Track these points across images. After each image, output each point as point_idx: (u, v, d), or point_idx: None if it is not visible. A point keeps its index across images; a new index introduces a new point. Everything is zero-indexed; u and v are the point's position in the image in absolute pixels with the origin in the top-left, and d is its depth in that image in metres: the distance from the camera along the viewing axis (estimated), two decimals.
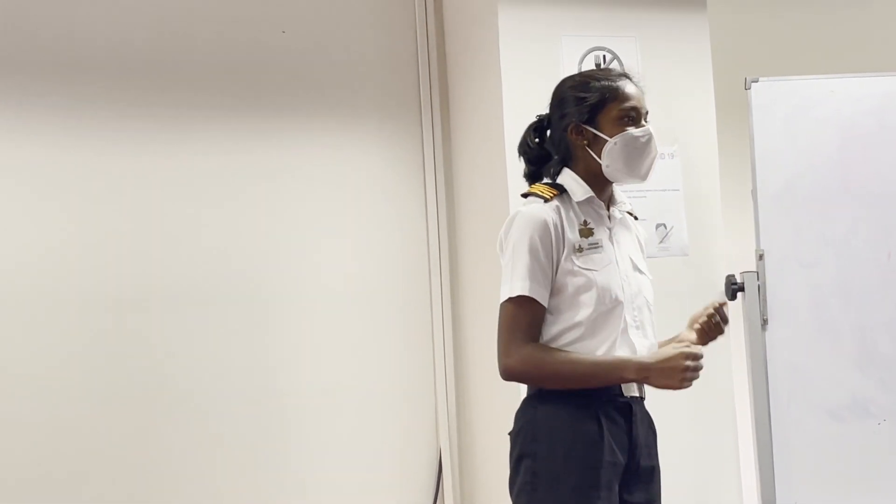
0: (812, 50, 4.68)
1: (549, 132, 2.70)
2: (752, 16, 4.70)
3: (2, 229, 3.74)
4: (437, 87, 4.27)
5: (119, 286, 3.85)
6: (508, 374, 2.56)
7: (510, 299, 2.53)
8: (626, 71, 2.68)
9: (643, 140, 2.60)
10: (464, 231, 4.23)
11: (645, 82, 2.67)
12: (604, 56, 3.89)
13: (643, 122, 2.62)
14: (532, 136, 2.73)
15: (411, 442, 4.17)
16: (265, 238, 4.04)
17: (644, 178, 2.66)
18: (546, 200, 2.59)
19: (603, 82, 2.61)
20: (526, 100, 3.79)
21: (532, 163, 2.73)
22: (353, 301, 4.13)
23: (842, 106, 3.92)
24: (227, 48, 4.05)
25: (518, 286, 2.52)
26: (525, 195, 2.66)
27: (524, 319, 2.53)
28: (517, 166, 3.75)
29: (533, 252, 2.53)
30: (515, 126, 3.76)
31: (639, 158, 2.61)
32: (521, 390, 2.75)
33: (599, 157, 2.60)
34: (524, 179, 2.76)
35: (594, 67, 3.81)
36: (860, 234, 3.88)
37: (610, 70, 2.69)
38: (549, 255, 2.54)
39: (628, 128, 2.59)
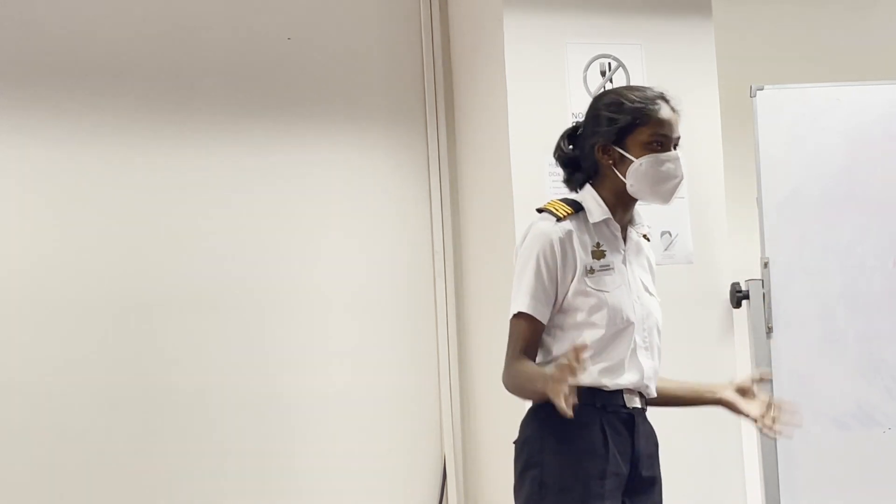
0: (818, 58, 4.67)
1: (581, 141, 2.70)
2: (757, 23, 4.70)
3: (4, 233, 3.75)
4: (442, 94, 4.27)
5: (123, 291, 3.85)
6: (505, 386, 2.63)
7: (514, 315, 2.59)
8: (664, 93, 2.65)
9: (669, 164, 2.60)
10: (468, 237, 4.23)
11: (682, 107, 2.66)
12: (609, 63, 3.89)
13: (672, 147, 2.62)
14: (566, 143, 2.73)
15: (415, 449, 4.17)
16: (270, 243, 4.04)
17: (667, 201, 2.66)
18: (558, 219, 2.60)
19: (636, 104, 2.60)
20: (531, 106, 3.81)
21: (568, 167, 2.73)
22: (358, 307, 4.13)
23: (847, 114, 3.92)
24: (232, 54, 4.05)
25: (520, 303, 2.57)
26: (540, 210, 2.67)
27: (521, 336, 2.58)
28: (522, 172, 3.79)
29: (538, 270, 2.56)
30: (521, 133, 3.79)
31: (663, 182, 2.61)
32: None
33: (624, 176, 2.61)
34: (564, 185, 2.75)
35: (591, 83, 3.83)
36: (865, 243, 3.88)
37: (647, 90, 2.65)
38: (552, 274, 2.56)
39: (655, 152, 2.59)
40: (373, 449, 4.10)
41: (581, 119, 2.73)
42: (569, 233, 2.58)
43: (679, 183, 2.64)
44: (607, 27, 3.93)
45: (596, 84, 3.87)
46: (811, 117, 3.92)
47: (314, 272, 4.09)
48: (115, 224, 3.87)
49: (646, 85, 2.69)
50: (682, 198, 3.91)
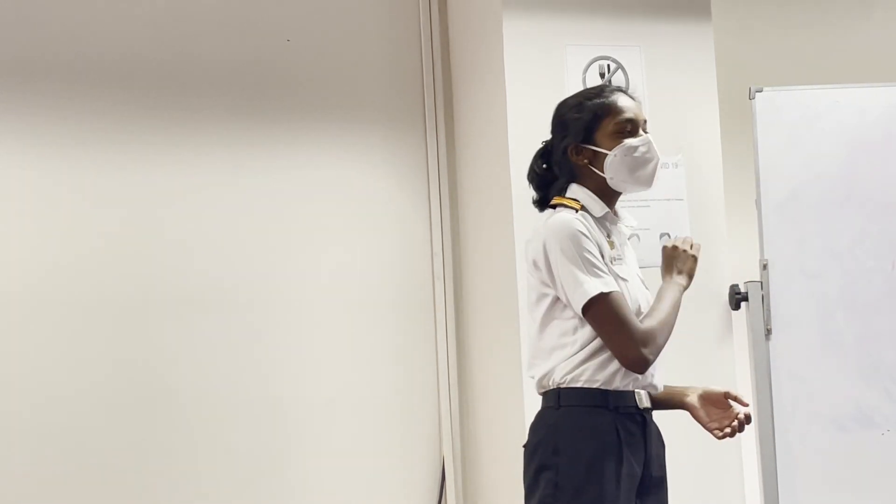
0: (817, 60, 4.68)
1: (552, 153, 2.72)
2: (756, 25, 4.70)
3: (6, 235, 3.75)
4: (441, 96, 4.28)
5: (121, 293, 3.85)
6: (647, 363, 2.56)
7: (597, 300, 2.51)
8: (620, 84, 2.72)
9: (642, 148, 2.64)
10: (467, 239, 4.23)
11: (643, 91, 2.72)
12: (608, 66, 3.89)
13: (641, 131, 2.66)
14: (539, 163, 2.76)
15: (414, 451, 4.17)
16: (269, 245, 4.05)
17: (649, 184, 2.69)
18: (576, 211, 2.61)
19: (595, 100, 2.66)
20: (530, 109, 3.80)
21: (541, 188, 2.76)
22: (357, 309, 4.13)
23: (846, 116, 3.92)
24: (231, 57, 4.06)
25: (596, 285, 2.51)
26: (553, 206, 2.67)
27: (619, 311, 2.53)
28: (521, 174, 3.74)
29: (588, 249, 2.53)
30: (520, 135, 3.78)
31: (641, 166, 2.65)
32: (525, 399, 2.76)
33: (603, 172, 2.63)
34: (533, 206, 2.77)
35: (590, 85, 3.82)
36: (865, 245, 3.88)
37: (604, 86, 2.74)
38: (597, 251, 2.56)
39: (626, 139, 2.62)
40: (371, 451, 4.10)
41: (548, 139, 2.76)
42: (589, 220, 2.61)
43: (657, 165, 2.67)
44: (607, 29, 3.93)
45: None
46: (810, 119, 3.92)
47: (313, 274, 4.09)
48: (113, 226, 3.87)
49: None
50: (682, 199, 3.91)
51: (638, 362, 2.54)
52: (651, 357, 2.55)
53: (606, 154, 2.62)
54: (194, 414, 3.91)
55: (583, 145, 2.65)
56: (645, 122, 2.69)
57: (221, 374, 3.94)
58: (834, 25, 4.81)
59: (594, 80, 3.86)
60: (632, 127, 2.64)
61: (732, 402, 2.68)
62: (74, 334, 3.80)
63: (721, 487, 3.87)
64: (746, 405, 2.69)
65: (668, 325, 2.60)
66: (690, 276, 2.72)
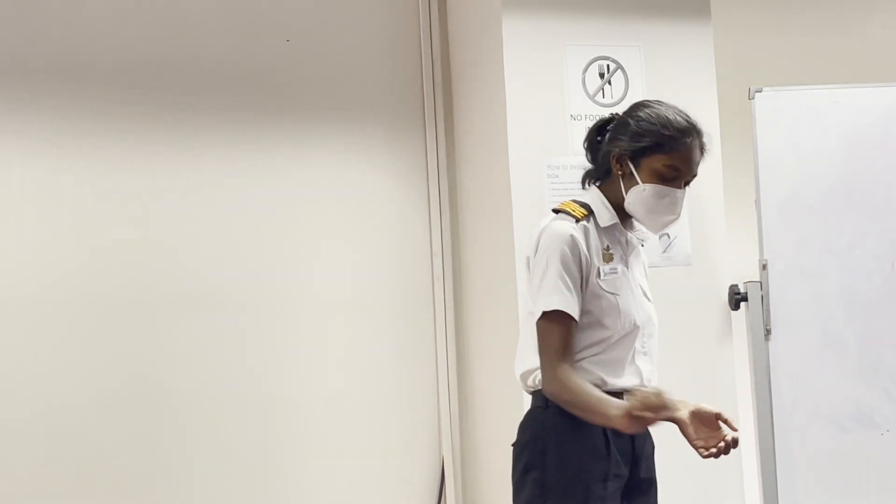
0: (816, 60, 4.68)
1: (605, 138, 2.71)
2: (756, 25, 4.70)
3: (7, 235, 3.75)
4: (441, 97, 4.28)
5: (121, 293, 3.85)
6: (547, 393, 2.58)
7: (545, 315, 2.54)
8: (699, 127, 2.64)
9: (669, 199, 2.61)
10: (467, 240, 4.23)
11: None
12: (608, 66, 3.90)
13: (682, 184, 2.62)
14: (595, 134, 2.74)
15: (414, 450, 4.17)
16: (269, 246, 4.05)
17: (655, 231, 2.69)
18: (577, 220, 2.61)
19: (665, 130, 2.60)
20: (529, 108, 3.81)
21: (591, 160, 2.75)
22: (357, 309, 4.13)
23: (846, 116, 3.92)
24: (231, 57, 4.06)
25: (552, 301, 2.53)
26: (556, 211, 2.67)
27: (559, 335, 2.54)
28: (520, 176, 3.80)
29: (565, 266, 2.54)
30: (519, 134, 3.79)
31: (658, 214, 2.63)
32: (524, 399, 2.75)
33: (626, 192, 2.62)
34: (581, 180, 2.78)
35: (589, 85, 3.83)
36: (864, 244, 3.88)
37: (684, 120, 2.64)
38: (578, 270, 2.56)
39: (662, 183, 2.60)
40: (371, 451, 4.10)
41: (615, 115, 2.75)
42: (586, 233, 2.60)
43: (673, 221, 2.65)
44: (606, 29, 3.93)
45: (595, 86, 3.87)
46: (810, 119, 3.92)
47: (313, 275, 4.09)
48: (114, 226, 3.87)
49: (686, 113, 2.66)
50: None
51: (544, 383, 2.56)
52: (547, 394, 2.56)
53: (638, 183, 2.60)
54: (194, 414, 3.91)
55: (626, 159, 2.62)
56: (694, 177, 2.64)
57: (221, 373, 3.94)
58: (834, 25, 4.81)
59: (594, 80, 3.87)
60: (676, 176, 2.60)
61: (722, 425, 2.60)
62: (75, 335, 3.79)
63: (721, 487, 3.87)
64: (736, 430, 2.63)
65: (580, 400, 2.51)
66: (632, 418, 2.41)
